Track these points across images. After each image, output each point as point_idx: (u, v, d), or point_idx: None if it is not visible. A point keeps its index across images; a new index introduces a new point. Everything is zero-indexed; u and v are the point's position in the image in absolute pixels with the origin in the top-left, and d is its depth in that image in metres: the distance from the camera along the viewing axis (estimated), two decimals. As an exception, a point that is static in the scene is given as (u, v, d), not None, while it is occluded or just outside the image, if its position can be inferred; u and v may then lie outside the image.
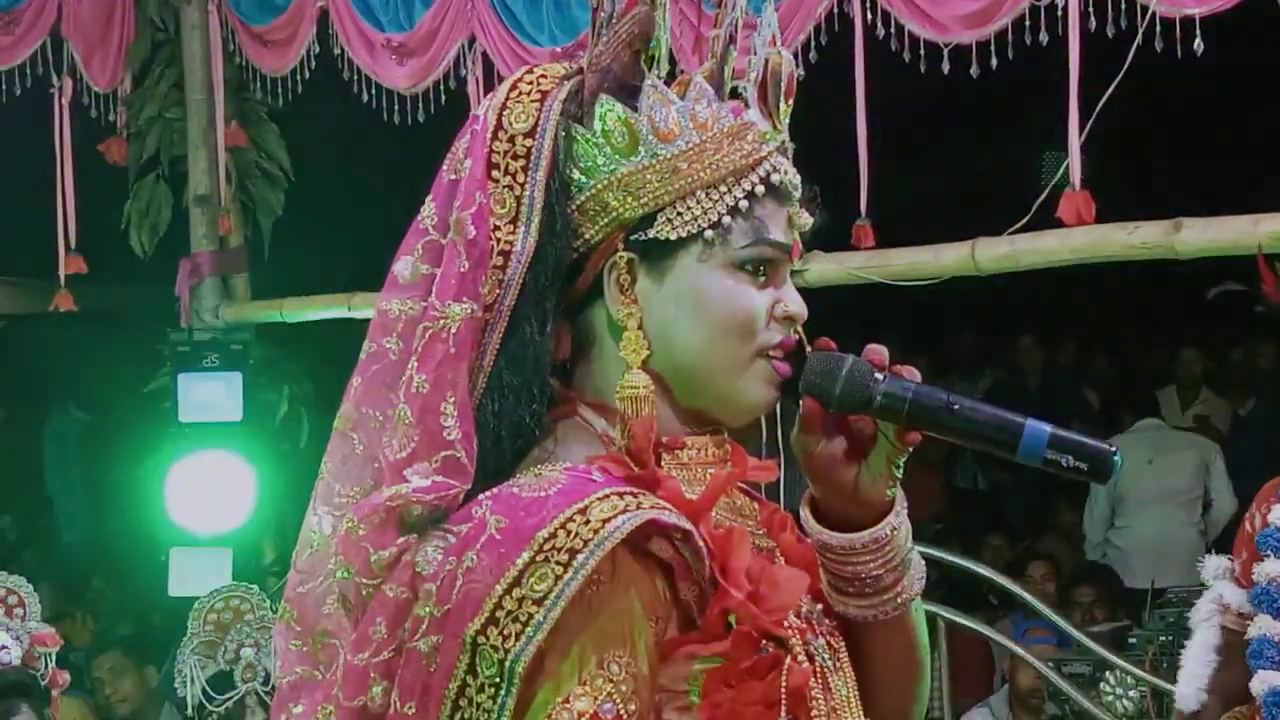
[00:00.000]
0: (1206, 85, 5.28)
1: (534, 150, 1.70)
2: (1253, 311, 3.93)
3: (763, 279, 1.73)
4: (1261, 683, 3.70)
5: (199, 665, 5.51)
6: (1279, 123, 6.70)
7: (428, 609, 1.58)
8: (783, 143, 1.81)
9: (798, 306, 1.74)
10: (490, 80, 6.36)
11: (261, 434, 7.08)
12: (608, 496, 1.58)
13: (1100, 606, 7.19)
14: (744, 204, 1.70)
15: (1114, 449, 1.70)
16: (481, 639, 1.53)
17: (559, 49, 6.09)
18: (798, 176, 1.79)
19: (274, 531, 6.89)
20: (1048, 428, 1.68)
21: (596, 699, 1.56)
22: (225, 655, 5.46)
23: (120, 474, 8.02)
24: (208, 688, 5.47)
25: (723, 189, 1.70)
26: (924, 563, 1.88)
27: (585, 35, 1.71)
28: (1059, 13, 5.28)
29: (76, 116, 6.71)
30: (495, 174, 1.70)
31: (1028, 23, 5.39)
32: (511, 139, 1.71)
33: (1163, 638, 5.83)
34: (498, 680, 1.54)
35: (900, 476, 1.77)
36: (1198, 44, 4.93)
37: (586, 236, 1.73)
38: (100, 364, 9.23)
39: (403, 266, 1.73)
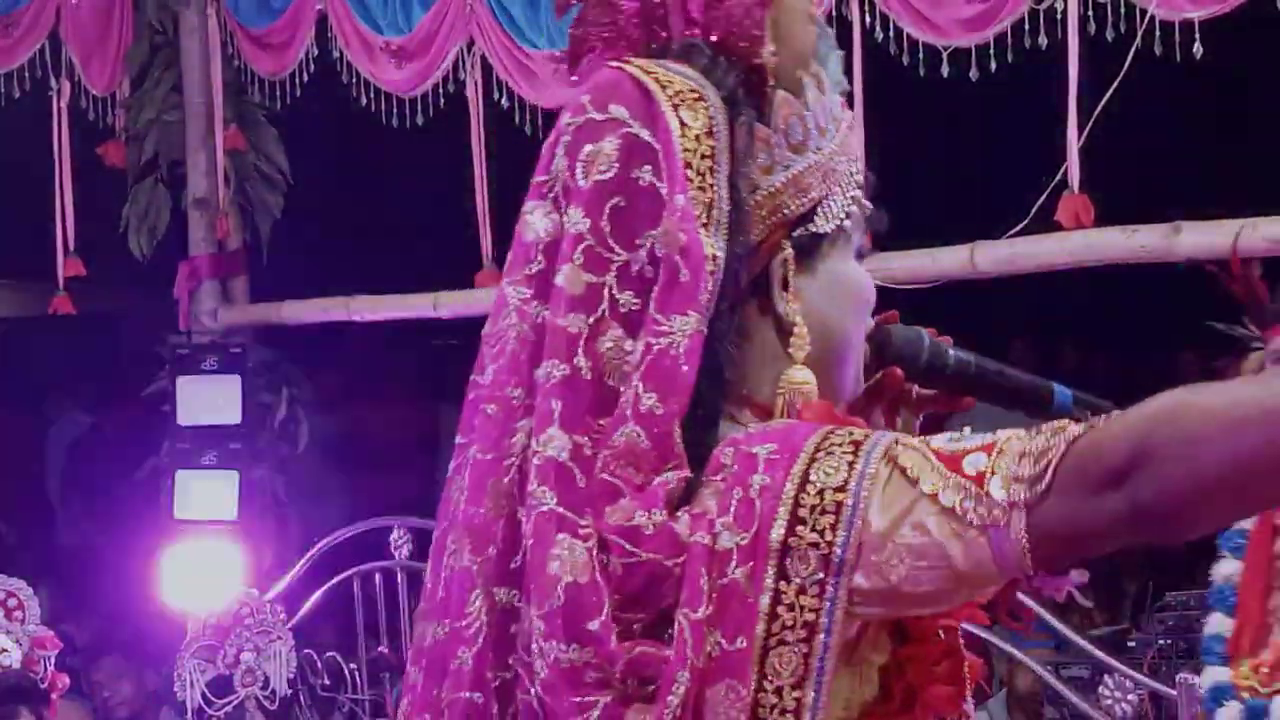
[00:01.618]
0: (1205, 88, 5.29)
1: (716, 150, 1.65)
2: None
3: (861, 261, 1.81)
4: (1207, 678, 3.84)
5: (199, 669, 5.46)
6: (1276, 125, 6.69)
7: (733, 540, 1.54)
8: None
9: (873, 290, 1.81)
10: (489, 83, 6.40)
11: (259, 437, 7.09)
12: (843, 428, 1.61)
13: (1099, 610, 7.15)
14: (859, 193, 1.73)
15: (1111, 405, 1.69)
16: (793, 540, 1.51)
17: (558, 52, 5.90)
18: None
19: (272, 534, 6.86)
20: (1070, 391, 1.77)
21: (939, 482, 1.54)
22: (225, 660, 5.43)
23: (120, 477, 7.99)
24: (207, 692, 5.43)
25: (848, 182, 1.71)
26: None
27: (631, 29, 1.68)
28: (1058, 16, 5.29)
29: (75, 119, 6.74)
30: (690, 174, 1.65)
31: (1027, 26, 5.39)
32: (696, 138, 1.65)
33: (1161, 641, 5.83)
34: (821, 576, 1.52)
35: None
36: (1197, 47, 4.93)
37: (754, 237, 1.70)
38: (100, 367, 9.24)
39: (567, 279, 1.63)
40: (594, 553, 1.54)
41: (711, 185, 1.62)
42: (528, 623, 1.59)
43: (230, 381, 6.74)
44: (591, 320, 1.60)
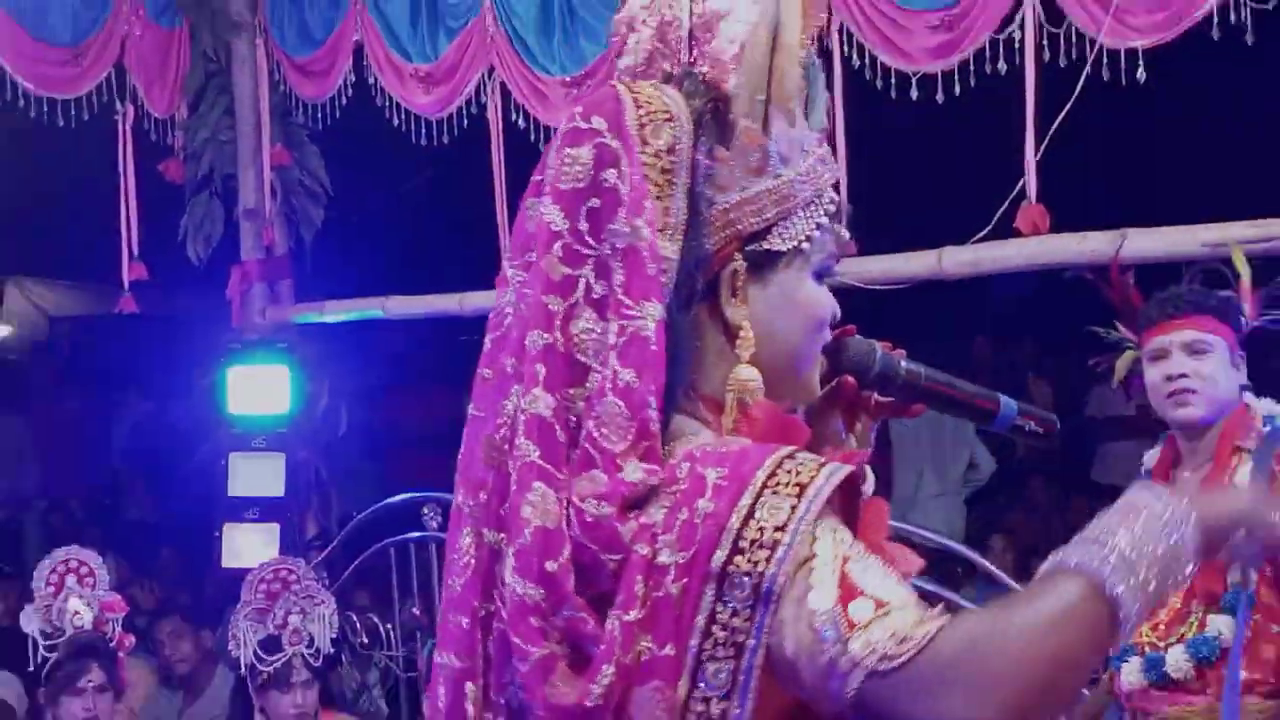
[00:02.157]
0: (1149, 109, 5.34)
1: (676, 165, 1.74)
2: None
3: (823, 283, 1.89)
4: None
5: (251, 630, 5.55)
6: (1214, 142, 6.77)
7: (672, 558, 1.63)
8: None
9: (837, 309, 1.89)
10: (508, 106, 6.49)
11: (305, 424, 7.14)
12: (794, 450, 1.68)
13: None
14: (824, 220, 1.81)
15: (1053, 418, 1.98)
16: (731, 568, 1.59)
17: (568, 78, 6.10)
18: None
19: (315, 509, 6.95)
20: (1015, 402, 1.94)
21: (842, 551, 1.63)
22: (274, 621, 5.50)
23: (179, 459, 8.08)
24: (259, 650, 5.50)
25: (814, 207, 1.80)
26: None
27: (593, 64, 2.01)
28: (1016, 45, 5.26)
29: (138, 139, 6.77)
30: (649, 185, 1.75)
31: (988, 54, 5.37)
32: (656, 154, 1.74)
33: None
34: (752, 602, 1.60)
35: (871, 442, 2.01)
36: (1141, 73, 5.06)
37: (708, 247, 1.78)
38: (160, 360, 9.27)
39: (548, 266, 1.74)
40: (564, 504, 1.66)
41: (669, 195, 1.72)
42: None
43: (278, 373, 6.86)
44: (567, 304, 1.71)
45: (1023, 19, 5.25)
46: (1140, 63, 5.07)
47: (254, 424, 7.02)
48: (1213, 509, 1.67)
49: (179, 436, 8.43)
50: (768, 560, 1.56)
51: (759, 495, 1.59)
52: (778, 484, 1.59)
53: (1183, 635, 3.64)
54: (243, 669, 5.65)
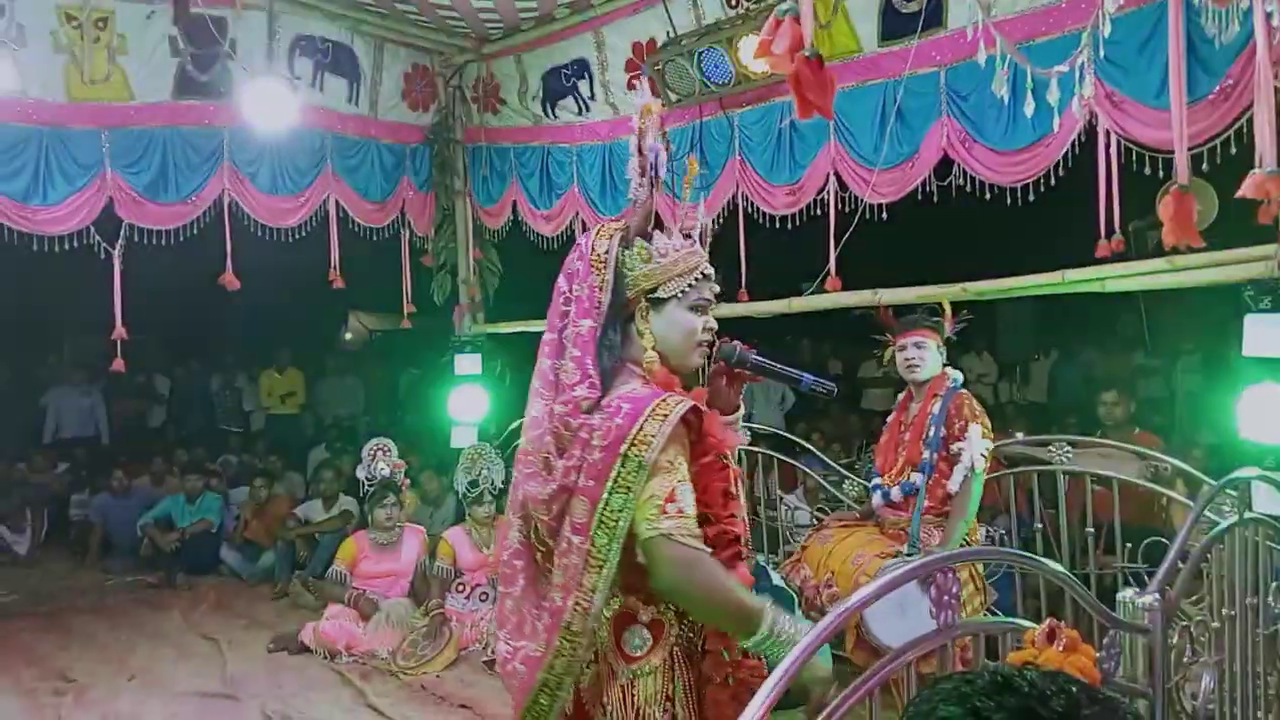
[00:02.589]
0: (886, 230, 5.15)
1: (608, 260, 1.78)
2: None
3: (700, 313, 1.83)
4: (873, 480, 3.95)
5: (465, 477, 5.66)
6: (923, 244, 6.93)
7: (599, 440, 1.66)
8: (707, 258, 1.88)
9: (713, 325, 1.85)
10: (585, 229, 6.80)
11: (490, 380, 6.97)
12: (670, 395, 1.71)
13: (851, 455, 6.75)
14: (694, 282, 1.81)
15: (832, 385, 1.97)
16: (631, 451, 1.63)
17: (615, 217, 6.69)
18: (712, 271, 1.87)
19: (495, 420, 6.77)
20: (810, 376, 1.94)
21: (678, 475, 1.66)
22: (476, 471, 5.62)
23: (431, 399, 7.91)
24: (468, 488, 5.64)
25: (686, 275, 1.80)
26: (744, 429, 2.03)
27: (626, 210, 1.86)
28: (826, 199, 5.22)
29: (411, 246, 6.77)
30: (594, 270, 1.77)
31: (813, 204, 5.35)
32: (599, 255, 1.78)
33: (869, 466, 4.62)
34: (637, 470, 1.62)
35: (743, 396, 1.94)
36: (884, 215, 5.04)
37: (629, 295, 1.80)
38: (423, 350, 9.15)
39: (557, 302, 1.81)
40: (548, 409, 1.75)
41: (604, 271, 1.77)
42: None
43: (477, 357, 6.87)
44: (562, 321, 1.79)
45: (828, 188, 5.27)
46: (884, 209, 5.10)
47: (464, 379, 6.84)
48: (817, 670, 1.63)
49: (432, 386, 8.21)
50: (645, 449, 1.62)
51: (647, 417, 1.64)
52: (656, 412, 1.65)
53: (899, 480, 3.73)
54: (460, 496, 5.82)
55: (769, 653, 1.58)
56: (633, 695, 1.69)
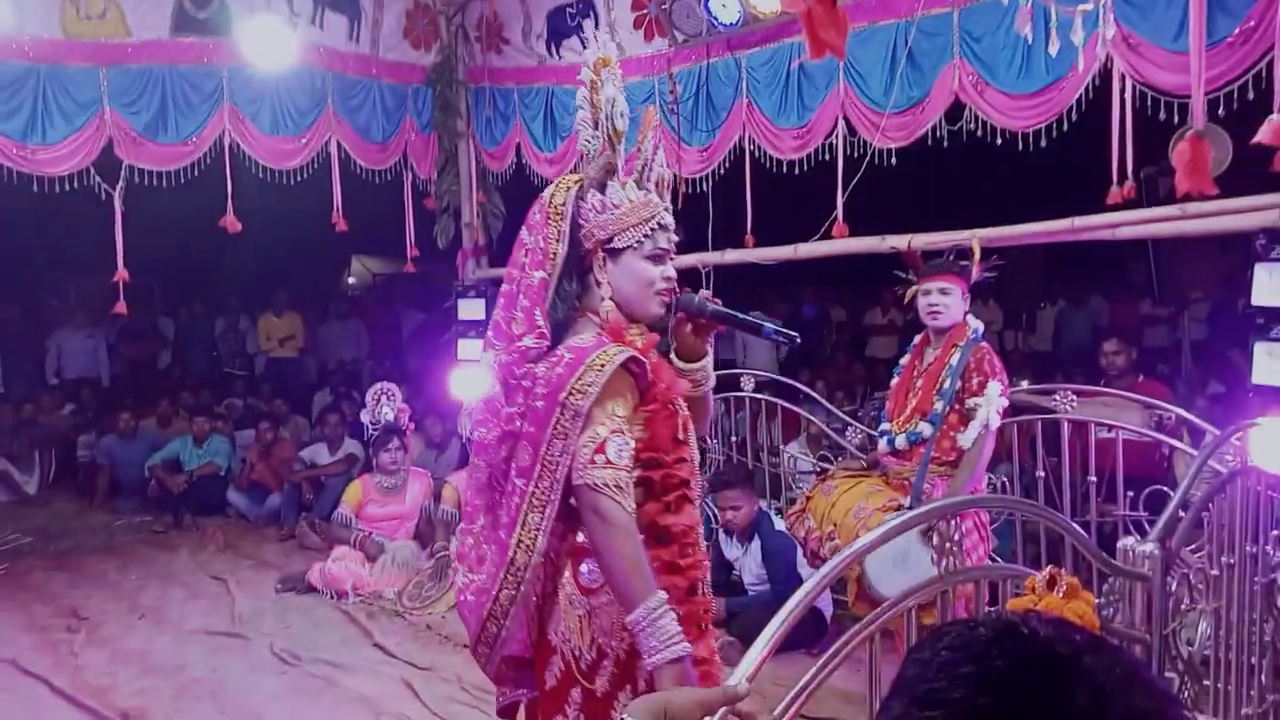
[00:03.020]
0: (897, 176, 5.07)
1: (565, 212, 1.81)
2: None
3: (658, 263, 1.85)
4: (881, 427, 3.88)
5: (468, 421, 5.34)
6: (946, 188, 6.88)
7: (541, 389, 1.71)
8: (666, 207, 1.88)
9: (672, 274, 1.86)
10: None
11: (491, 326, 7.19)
12: (611, 345, 1.74)
13: (852, 400, 6.67)
14: (650, 232, 1.82)
15: (796, 336, 1.96)
16: (569, 399, 1.67)
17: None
18: (672, 221, 1.88)
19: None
20: (771, 325, 1.94)
21: (612, 426, 1.70)
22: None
23: (434, 341, 8.01)
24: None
25: (642, 225, 1.81)
26: (713, 374, 1.98)
27: (631, 160, 1.88)
28: (835, 144, 5.21)
29: (414, 188, 6.64)
30: (550, 222, 1.81)
31: (828, 147, 5.33)
32: (555, 207, 1.82)
33: (874, 413, 4.87)
34: (574, 417, 1.68)
35: (711, 345, 1.95)
36: (893, 160, 4.99)
37: (587, 246, 1.83)
38: (424, 294, 9.33)
39: (515, 253, 1.85)
40: (497, 359, 1.80)
41: (560, 222, 1.80)
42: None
43: (479, 303, 6.66)
44: (520, 273, 1.82)
45: (837, 132, 5.22)
46: (894, 152, 5.05)
47: (467, 323, 6.64)
48: (667, 679, 1.60)
49: (436, 331, 8.35)
50: (582, 398, 1.67)
51: (586, 368, 1.68)
52: (594, 363, 1.69)
53: (906, 429, 3.63)
54: (466, 439, 5.83)
55: (640, 636, 1.60)
56: (591, 627, 1.74)
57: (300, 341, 9.79)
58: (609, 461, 1.64)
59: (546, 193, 1.82)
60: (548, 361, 1.71)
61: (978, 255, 3.76)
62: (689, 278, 5.87)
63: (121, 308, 5.71)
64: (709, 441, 5.49)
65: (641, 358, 1.74)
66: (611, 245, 1.80)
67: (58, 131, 5.32)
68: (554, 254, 1.77)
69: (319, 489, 6.66)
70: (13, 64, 5.25)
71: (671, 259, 1.85)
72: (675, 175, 6.08)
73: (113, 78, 5.46)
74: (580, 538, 1.78)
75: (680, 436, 1.77)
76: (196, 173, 5.73)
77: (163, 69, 5.60)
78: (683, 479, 1.76)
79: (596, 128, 1.82)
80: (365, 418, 6.10)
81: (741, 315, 1.87)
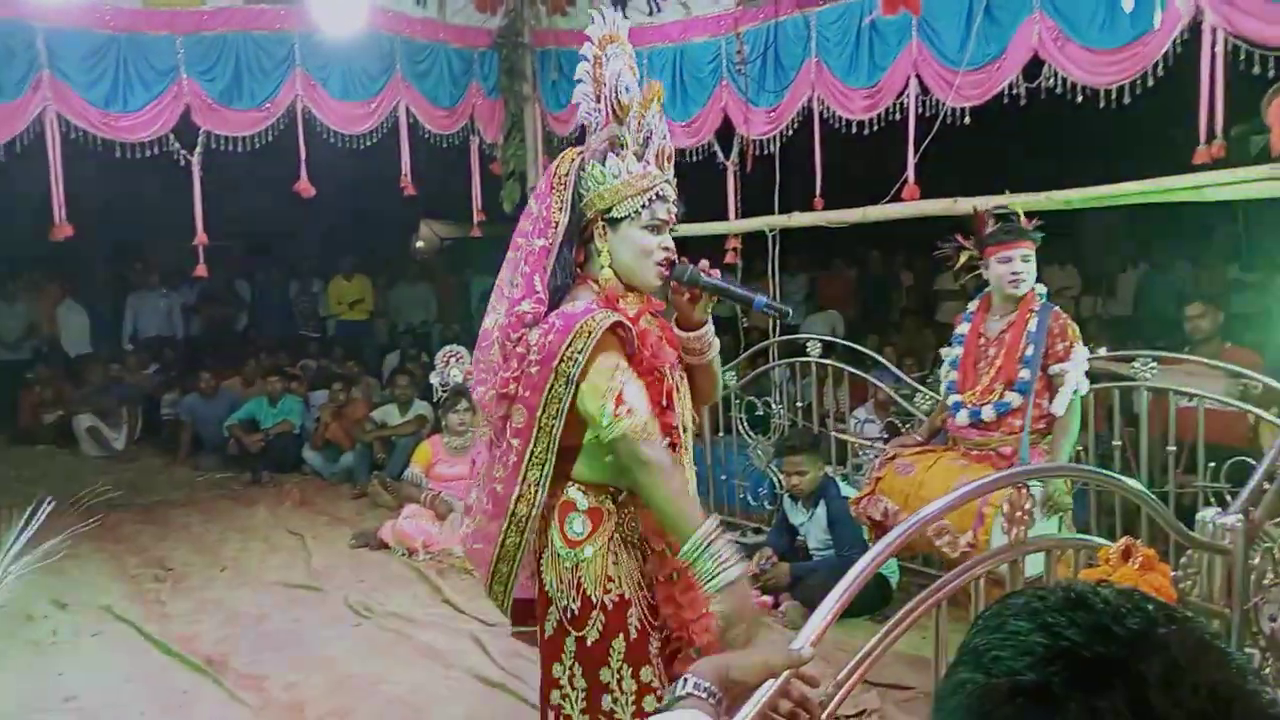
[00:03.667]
0: (971, 137, 5.06)
1: (568, 181, 1.86)
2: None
3: (657, 233, 1.88)
4: (950, 399, 3.71)
5: None
6: (1008, 154, 6.77)
7: (535, 355, 1.76)
8: (667, 179, 1.90)
9: (670, 244, 1.90)
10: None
11: None
12: (599, 311, 1.78)
13: (920, 367, 6.51)
14: (648, 202, 1.85)
15: (788, 309, 1.97)
16: (561, 367, 1.73)
17: (685, 123, 6.18)
18: (673, 192, 1.89)
19: None
20: (763, 297, 1.90)
21: (620, 378, 1.76)
22: None
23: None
24: None
25: (640, 196, 1.84)
26: (717, 340, 1.98)
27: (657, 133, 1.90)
28: (906, 104, 5.17)
29: (480, 153, 6.68)
30: (554, 191, 1.86)
31: (898, 108, 5.27)
32: (559, 177, 1.87)
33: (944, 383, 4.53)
34: (566, 383, 1.74)
35: (710, 312, 1.96)
36: (968, 119, 4.96)
37: (588, 215, 1.87)
38: (490, 259, 9.93)
39: (522, 221, 1.91)
40: (496, 321, 1.85)
41: (564, 192, 1.85)
42: None
43: None
44: (525, 240, 1.87)
45: (908, 91, 5.18)
46: (967, 113, 5.02)
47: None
48: (730, 600, 1.64)
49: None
50: (572, 365, 1.72)
51: (575, 334, 1.73)
52: (582, 330, 1.73)
53: (991, 400, 3.50)
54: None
55: (697, 563, 1.65)
56: (577, 578, 1.81)
57: (370, 305, 9.98)
58: (630, 410, 1.70)
59: (554, 164, 1.87)
60: (541, 328, 1.75)
61: (1022, 216, 3.66)
62: (756, 240, 5.92)
63: (201, 270, 5.88)
64: (774, 406, 5.48)
65: (628, 324, 1.77)
66: (611, 215, 1.83)
67: (138, 99, 5.48)
68: (555, 222, 1.81)
69: (390, 449, 6.77)
70: (96, 33, 5.41)
71: (672, 229, 1.88)
72: (742, 137, 6.10)
73: (189, 46, 5.59)
74: (566, 495, 1.84)
75: (664, 403, 1.81)
76: (270, 138, 5.86)
77: (236, 36, 5.72)
78: (669, 444, 1.80)
79: (599, 101, 1.86)
80: (434, 380, 6.17)
81: (736, 287, 1.88)
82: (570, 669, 1.85)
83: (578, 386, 1.71)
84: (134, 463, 7.64)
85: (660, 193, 1.85)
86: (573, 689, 1.85)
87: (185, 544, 5.51)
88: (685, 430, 1.88)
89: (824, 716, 1.20)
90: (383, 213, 9.34)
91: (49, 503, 1.89)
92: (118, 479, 6.84)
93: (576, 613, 1.82)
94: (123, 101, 5.45)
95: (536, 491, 1.78)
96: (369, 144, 6.14)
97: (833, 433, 5.20)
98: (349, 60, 5.94)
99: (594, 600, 1.80)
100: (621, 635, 1.80)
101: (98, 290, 9.74)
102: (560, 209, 1.83)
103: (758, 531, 5.10)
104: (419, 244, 12.94)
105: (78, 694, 3.55)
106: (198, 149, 5.68)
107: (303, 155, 5.89)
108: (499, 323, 1.83)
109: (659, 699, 1.78)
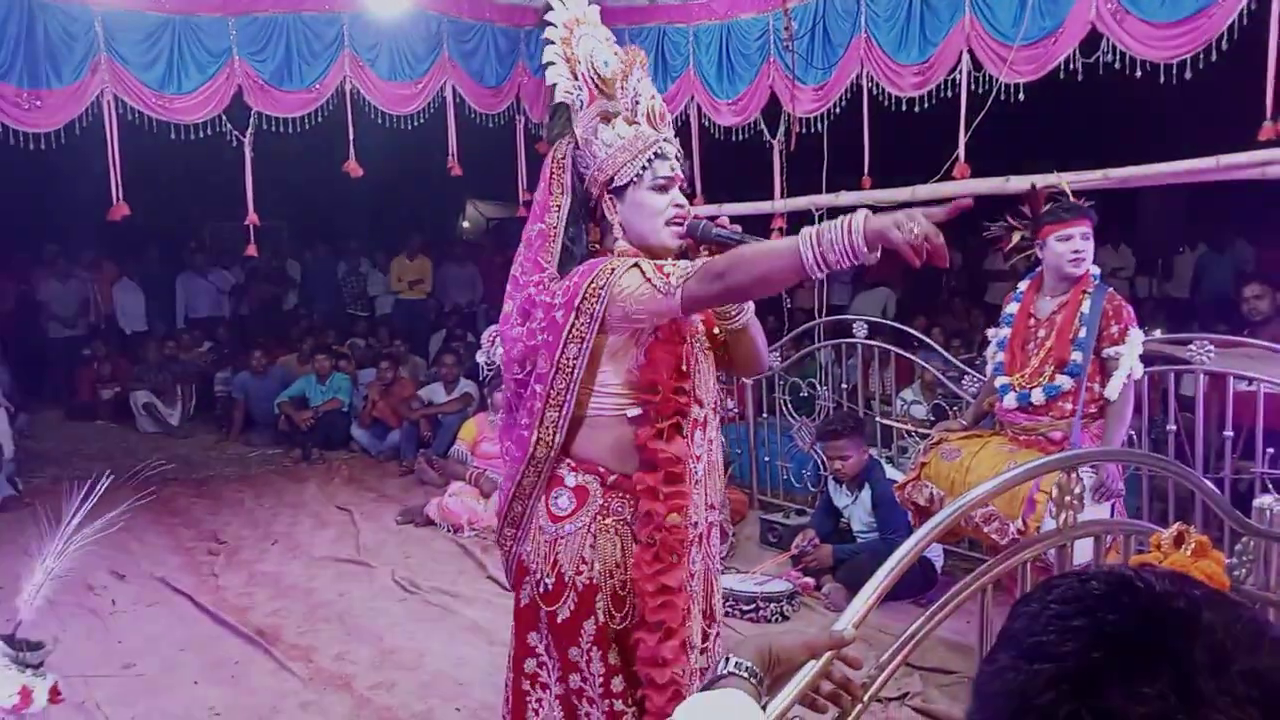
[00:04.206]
0: (1022, 115, 5.00)
1: (565, 164, 1.88)
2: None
3: (664, 191, 1.85)
4: (999, 381, 3.60)
5: None
6: (1060, 134, 6.75)
7: (559, 299, 1.78)
8: (665, 136, 1.88)
9: (682, 201, 1.87)
10: (700, 114, 6.44)
11: None
12: (612, 260, 1.79)
13: (967, 348, 6.41)
14: (648, 162, 1.84)
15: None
16: (583, 304, 1.75)
17: (732, 100, 6.26)
18: (674, 148, 1.88)
19: None
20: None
21: (645, 273, 1.72)
22: None
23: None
24: None
25: (638, 158, 1.84)
26: (751, 304, 1.92)
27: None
28: (957, 80, 5.13)
29: (526, 131, 6.73)
30: (553, 176, 1.88)
31: (940, 87, 5.24)
32: (558, 162, 1.90)
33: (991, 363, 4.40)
34: (589, 320, 1.74)
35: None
36: (1021, 95, 4.93)
37: (594, 193, 1.87)
38: None
39: (533, 209, 1.90)
40: (514, 301, 1.88)
41: (561, 175, 1.87)
42: None
43: None
44: (532, 223, 1.89)
45: (960, 67, 5.12)
46: (1022, 89, 4.96)
47: None
48: (874, 218, 1.51)
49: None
50: (597, 302, 1.73)
51: (595, 274, 1.74)
52: (604, 269, 1.74)
53: (1040, 383, 3.41)
54: None
55: (826, 230, 1.53)
56: (555, 554, 1.82)
57: (428, 285, 10.07)
58: (667, 275, 1.67)
59: (553, 148, 1.89)
60: (564, 280, 1.77)
61: (1069, 193, 3.55)
62: (801, 218, 5.88)
63: (252, 250, 5.99)
64: (819, 388, 5.46)
65: (649, 262, 1.75)
66: (614, 185, 1.82)
67: (192, 81, 5.59)
68: (556, 206, 1.82)
69: (436, 426, 6.85)
70: (151, 15, 5.51)
71: (681, 187, 1.86)
72: (788, 115, 6.04)
73: (241, 27, 5.68)
74: (557, 469, 1.86)
75: (683, 368, 1.78)
76: (320, 119, 5.94)
77: (287, 17, 5.80)
78: (678, 409, 1.77)
79: (576, 78, 1.85)
80: (480, 359, 6.14)
81: (748, 237, 1.82)
82: (546, 639, 1.88)
83: (605, 311, 1.71)
84: (188, 439, 7.81)
85: (659, 151, 1.84)
86: (549, 657, 1.88)
87: (238, 518, 5.63)
88: (703, 405, 1.86)
89: (866, 698, 1.17)
90: (428, 192, 9.42)
91: (108, 476, 1.93)
92: (172, 454, 7.01)
93: (550, 588, 1.84)
94: (177, 83, 5.55)
95: (554, 434, 1.80)
96: (416, 124, 6.20)
97: (878, 417, 5.16)
98: (396, 40, 6.00)
99: (567, 579, 1.82)
100: (591, 619, 1.81)
101: (152, 269, 9.93)
102: (560, 192, 1.84)
103: (801, 513, 5.08)
104: (465, 224, 13.02)
105: (136, 661, 3.67)
106: (249, 130, 5.78)
107: (351, 136, 5.95)
108: (515, 300, 1.87)
109: (625, 679, 1.80)
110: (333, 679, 3.51)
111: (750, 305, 1.91)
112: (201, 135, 5.68)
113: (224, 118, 5.66)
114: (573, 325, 1.73)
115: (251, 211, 5.85)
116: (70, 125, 5.37)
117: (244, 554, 4.99)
